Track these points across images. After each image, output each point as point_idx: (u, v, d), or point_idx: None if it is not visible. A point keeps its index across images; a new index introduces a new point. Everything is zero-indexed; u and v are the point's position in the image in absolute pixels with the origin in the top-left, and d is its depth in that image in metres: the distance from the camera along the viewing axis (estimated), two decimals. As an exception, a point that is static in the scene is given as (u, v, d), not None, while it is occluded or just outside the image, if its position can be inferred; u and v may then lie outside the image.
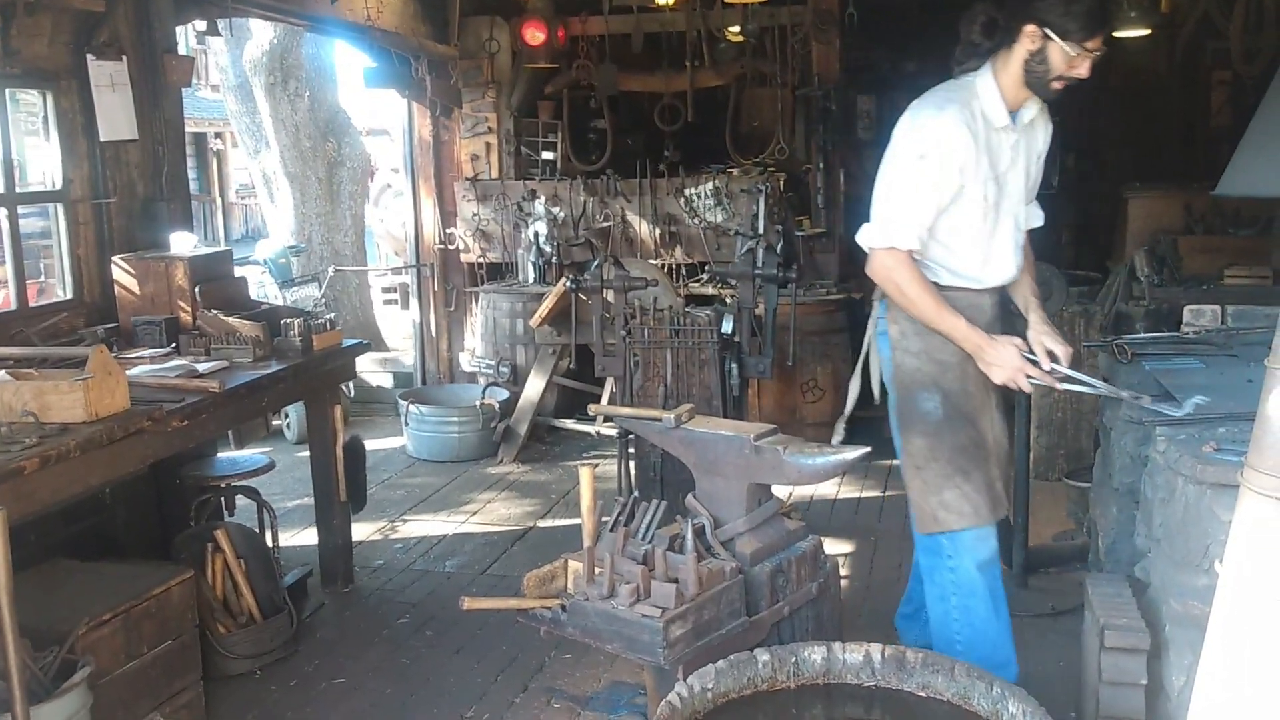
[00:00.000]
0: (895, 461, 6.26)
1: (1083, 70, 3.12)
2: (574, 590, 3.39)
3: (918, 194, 3.17)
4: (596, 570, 3.27)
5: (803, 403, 6.52)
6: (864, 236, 3.28)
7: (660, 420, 3.59)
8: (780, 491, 3.87)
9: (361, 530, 5.42)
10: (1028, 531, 4.59)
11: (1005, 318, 3.48)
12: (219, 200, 23.63)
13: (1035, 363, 3.23)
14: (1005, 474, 3.52)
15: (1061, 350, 3.34)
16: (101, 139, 4.48)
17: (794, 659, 2.97)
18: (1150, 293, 5.74)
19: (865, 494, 5.99)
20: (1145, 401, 3.26)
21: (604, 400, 6.76)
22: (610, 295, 5.51)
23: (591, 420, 6.85)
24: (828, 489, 6.05)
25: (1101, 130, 8.85)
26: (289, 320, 4.40)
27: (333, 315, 4.88)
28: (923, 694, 2.88)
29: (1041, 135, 3.38)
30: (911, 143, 3.17)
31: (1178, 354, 4.17)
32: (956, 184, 3.17)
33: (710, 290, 6.91)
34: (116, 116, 4.52)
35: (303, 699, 3.96)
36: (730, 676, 2.90)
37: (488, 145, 7.73)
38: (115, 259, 4.46)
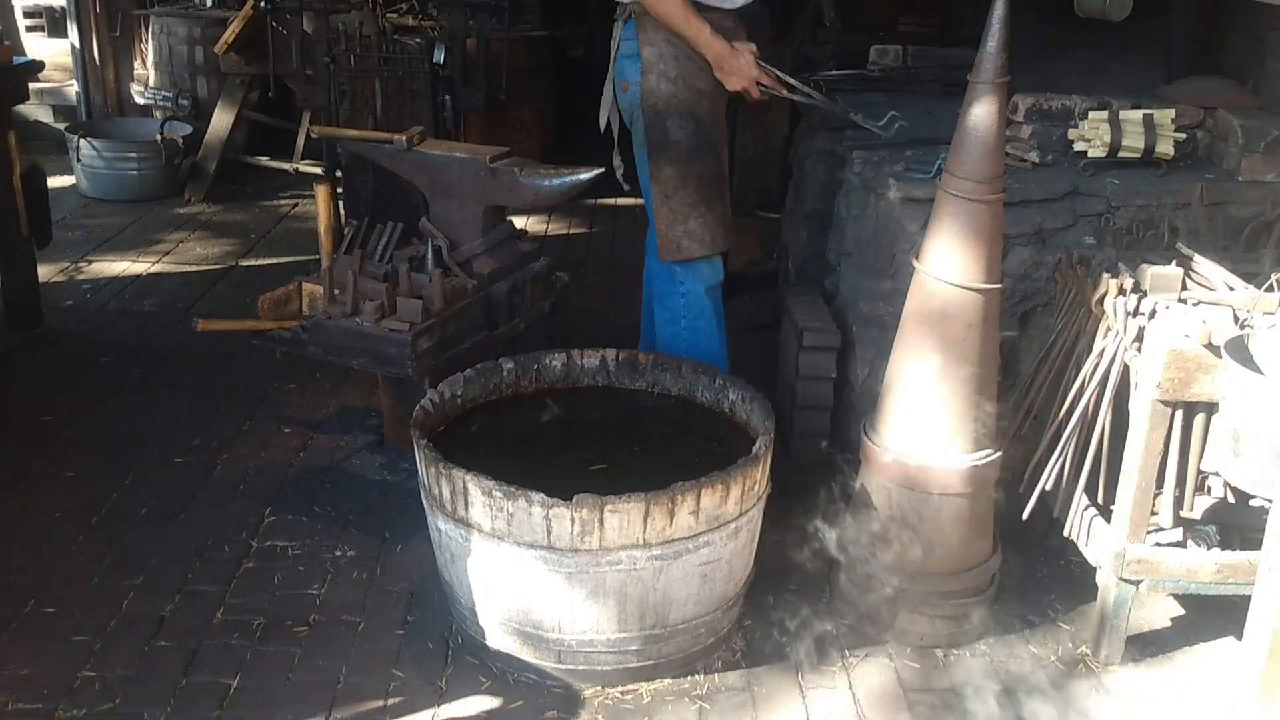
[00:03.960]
0: (603, 200, 6.44)
1: None
2: (312, 311, 3.40)
3: None
4: (337, 290, 3.29)
5: (510, 140, 6.51)
6: None
7: (391, 142, 3.55)
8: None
9: (43, 272, 5.01)
10: (726, 260, 4.95)
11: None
12: None
13: (768, 71, 3.36)
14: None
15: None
16: None
17: (536, 366, 3.17)
18: (835, 37, 6.11)
19: (574, 231, 6.20)
20: (858, 117, 3.51)
21: (301, 135, 6.48)
22: (309, 20, 5.20)
23: (288, 157, 6.56)
24: (540, 225, 6.20)
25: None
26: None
27: (-2, 28, 4.33)
28: (653, 390, 3.18)
29: None
30: None
31: (865, 90, 4.55)
32: None
33: (411, 22, 6.63)
34: None
35: (10, 439, 3.76)
36: (477, 384, 3.07)
37: None
38: None
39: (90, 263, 5.48)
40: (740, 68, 3.30)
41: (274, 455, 3.72)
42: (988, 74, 2.46)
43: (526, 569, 2.51)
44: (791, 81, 3.44)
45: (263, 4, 5.23)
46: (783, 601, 2.99)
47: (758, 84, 3.34)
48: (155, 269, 5.43)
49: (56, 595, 2.96)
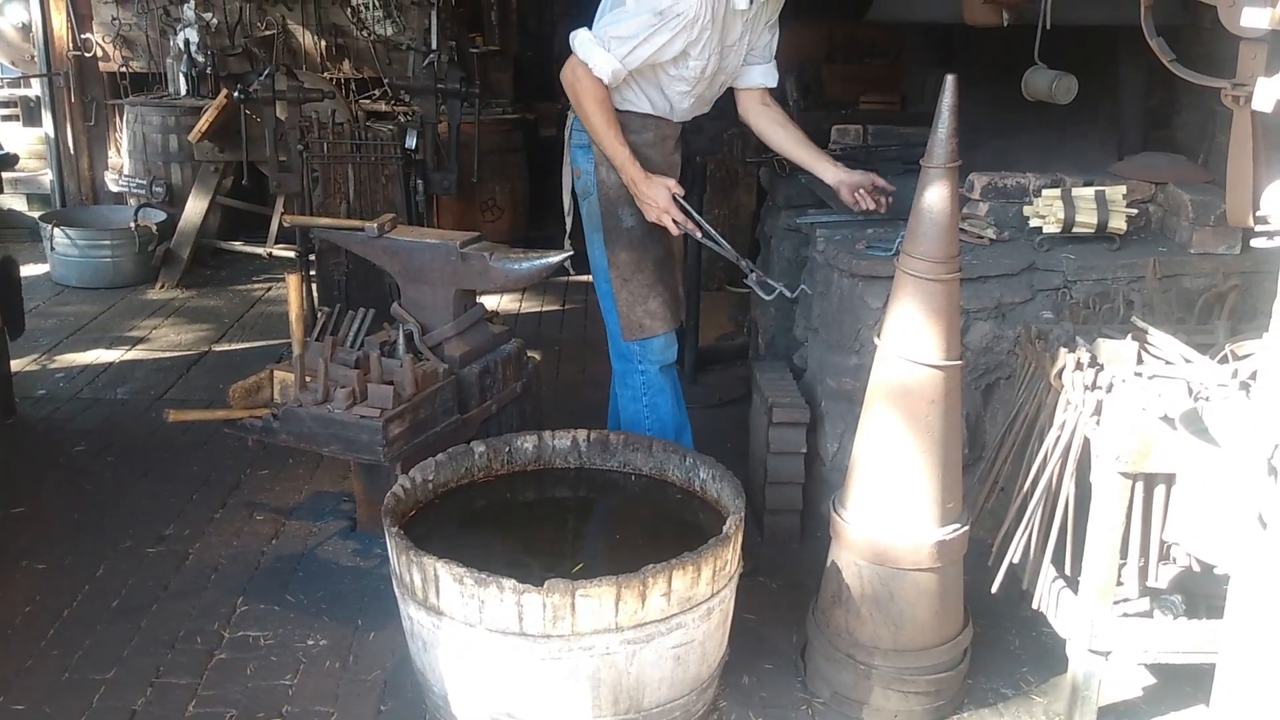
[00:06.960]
0: (574, 278, 6.52)
1: None
2: (283, 399, 3.41)
3: (638, 43, 3.16)
4: (308, 378, 3.31)
5: (482, 221, 6.61)
6: (576, 40, 3.23)
7: (363, 230, 3.60)
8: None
9: (16, 362, 5.02)
10: (697, 335, 5.02)
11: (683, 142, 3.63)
12: None
13: (685, 209, 3.33)
14: (680, 283, 3.74)
15: (879, 182, 3.63)
16: None
17: (508, 448, 3.19)
18: (798, 116, 6.25)
19: (546, 308, 6.26)
20: (753, 279, 3.51)
21: (275, 220, 6.54)
22: (282, 108, 5.28)
23: (262, 241, 6.61)
24: (513, 303, 6.26)
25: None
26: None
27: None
28: (625, 470, 3.21)
29: (774, 4, 3.41)
30: None
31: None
32: (679, 51, 3.21)
33: (384, 107, 6.76)
34: None
35: (-21, 531, 3.74)
36: (449, 468, 3.08)
37: (125, -62, 6.99)
38: None
39: (63, 351, 5.48)
40: (653, 198, 3.27)
41: (246, 543, 3.70)
42: (939, 159, 2.53)
43: (499, 656, 2.50)
44: (705, 227, 3.41)
45: (237, 93, 5.32)
46: (757, 681, 2.99)
47: (674, 220, 3.30)
48: (128, 356, 5.44)
49: (26, 692, 2.92)
